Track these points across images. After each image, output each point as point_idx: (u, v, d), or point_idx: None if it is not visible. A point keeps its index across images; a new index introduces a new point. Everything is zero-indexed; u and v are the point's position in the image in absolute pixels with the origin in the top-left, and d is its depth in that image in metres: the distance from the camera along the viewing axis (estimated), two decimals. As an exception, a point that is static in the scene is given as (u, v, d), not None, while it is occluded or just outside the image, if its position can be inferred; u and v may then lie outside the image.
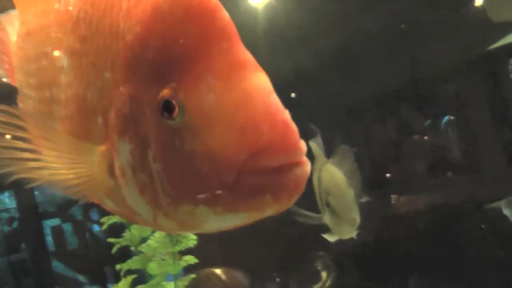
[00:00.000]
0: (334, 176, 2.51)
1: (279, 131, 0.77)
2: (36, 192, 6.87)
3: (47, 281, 6.42)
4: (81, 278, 6.37)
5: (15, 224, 7.28)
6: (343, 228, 2.47)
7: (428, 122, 4.53)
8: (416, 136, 4.44)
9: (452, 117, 4.40)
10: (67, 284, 6.52)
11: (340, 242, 2.58)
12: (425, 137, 4.44)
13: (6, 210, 8.84)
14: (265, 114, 0.77)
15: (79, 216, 6.44)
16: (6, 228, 8.29)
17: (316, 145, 2.61)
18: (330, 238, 2.57)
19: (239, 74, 0.79)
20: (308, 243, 3.94)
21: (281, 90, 0.80)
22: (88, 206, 6.28)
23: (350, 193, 2.44)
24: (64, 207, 6.61)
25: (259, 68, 0.82)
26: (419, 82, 4.33)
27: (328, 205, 2.47)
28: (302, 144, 0.80)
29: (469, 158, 4.43)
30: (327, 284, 4.09)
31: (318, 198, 2.60)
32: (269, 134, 0.76)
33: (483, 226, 3.84)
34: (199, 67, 0.78)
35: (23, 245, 6.72)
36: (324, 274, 4.07)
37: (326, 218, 2.52)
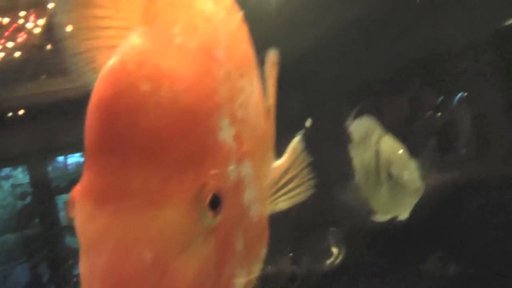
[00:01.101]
0: (395, 146, 2.46)
1: None
2: (49, 168, 6.94)
3: (60, 256, 6.50)
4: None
5: (28, 199, 7.35)
6: (405, 201, 2.43)
7: (441, 98, 4.50)
8: (429, 112, 4.41)
9: (465, 94, 4.36)
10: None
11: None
12: (438, 114, 4.42)
13: (19, 185, 8.91)
14: None
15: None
16: (20, 203, 8.36)
17: (368, 120, 2.55)
18: (383, 216, 2.50)
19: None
20: (320, 219, 3.95)
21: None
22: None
23: (412, 162, 2.41)
24: (76, 182, 6.66)
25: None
26: (433, 57, 4.29)
27: (390, 176, 2.41)
28: None
29: (480, 136, 4.40)
30: (339, 259, 4.11)
31: (371, 175, 2.53)
32: None
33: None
34: None
35: (36, 220, 6.80)
36: (335, 250, 4.08)
37: (382, 195, 2.46)
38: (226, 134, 0.66)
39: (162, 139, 0.61)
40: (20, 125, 6.03)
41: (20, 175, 9.02)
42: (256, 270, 0.70)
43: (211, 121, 0.64)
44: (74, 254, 6.61)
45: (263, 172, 0.74)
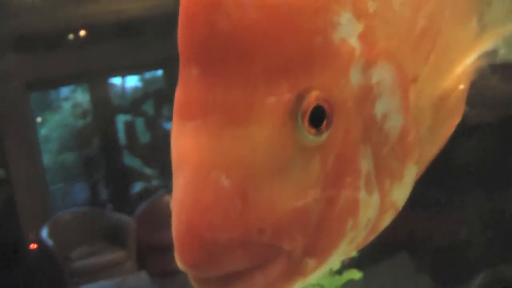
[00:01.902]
0: None
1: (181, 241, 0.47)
2: (109, 88, 7.04)
3: (118, 175, 6.68)
4: (150, 172, 6.60)
5: (88, 119, 7.51)
6: None
7: None
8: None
9: None
10: (137, 177, 6.77)
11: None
12: None
13: (79, 105, 9.09)
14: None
15: (151, 112, 6.58)
16: (80, 123, 8.55)
17: None
18: None
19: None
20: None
21: None
22: (161, 103, 6.39)
23: None
24: (136, 103, 6.76)
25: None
26: None
27: None
28: (221, 252, 0.46)
29: None
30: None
31: None
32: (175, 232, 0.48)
33: None
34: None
35: (95, 140, 6.97)
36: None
37: None
38: (347, 32, 0.52)
39: (248, 41, 0.48)
40: (81, 45, 6.08)
41: (80, 96, 9.18)
42: (393, 207, 0.58)
43: (320, 16, 0.50)
44: (132, 173, 6.77)
45: (415, 74, 0.58)
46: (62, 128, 9.03)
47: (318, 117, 0.48)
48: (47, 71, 6.05)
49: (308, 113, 0.48)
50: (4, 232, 5.92)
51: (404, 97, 0.55)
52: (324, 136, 0.49)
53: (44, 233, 5.50)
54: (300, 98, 0.48)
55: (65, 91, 9.00)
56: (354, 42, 0.51)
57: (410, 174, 0.58)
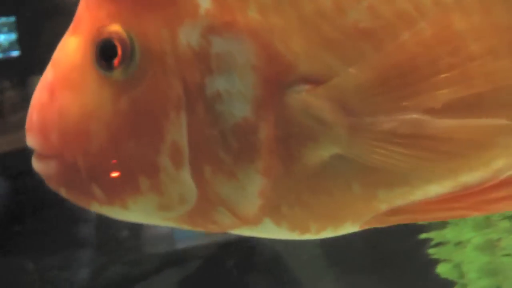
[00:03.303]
0: None
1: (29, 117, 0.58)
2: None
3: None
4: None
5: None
6: None
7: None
8: None
9: None
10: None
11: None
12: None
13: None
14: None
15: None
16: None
17: None
18: None
19: None
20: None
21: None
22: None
23: None
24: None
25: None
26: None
27: None
28: (43, 137, 0.56)
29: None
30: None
31: None
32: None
33: None
34: None
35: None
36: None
37: None
38: None
39: None
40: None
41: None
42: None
43: None
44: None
45: (319, 77, 0.50)
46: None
47: (107, 51, 0.49)
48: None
49: (98, 44, 0.50)
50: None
51: (262, 90, 0.48)
52: (117, 73, 0.49)
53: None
54: (100, 29, 0.49)
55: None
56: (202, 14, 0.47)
57: (250, 180, 0.52)
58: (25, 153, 0.60)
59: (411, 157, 0.49)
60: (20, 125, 0.59)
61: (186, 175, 0.53)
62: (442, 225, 2.01)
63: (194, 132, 0.51)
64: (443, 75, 0.47)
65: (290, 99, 0.48)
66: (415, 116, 0.48)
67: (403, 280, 2.47)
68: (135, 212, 0.57)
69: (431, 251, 2.10)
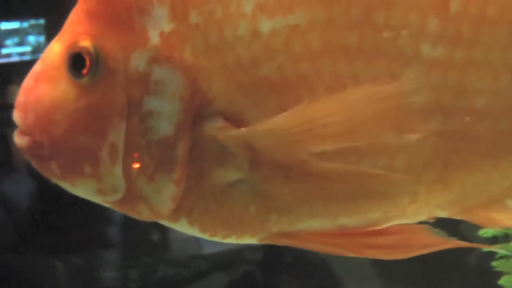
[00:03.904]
0: None
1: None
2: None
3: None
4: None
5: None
6: None
7: None
8: None
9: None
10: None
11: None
12: None
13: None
14: None
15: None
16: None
17: None
18: None
19: None
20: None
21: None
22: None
23: None
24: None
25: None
26: None
27: None
28: (18, 113, 0.68)
29: None
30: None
31: None
32: None
33: None
34: None
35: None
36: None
37: None
38: (150, 23, 0.61)
39: None
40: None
41: None
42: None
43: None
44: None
45: (238, 116, 0.62)
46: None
47: (77, 63, 0.62)
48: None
49: (71, 55, 0.62)
50: None
51: (185, 117, 0.60)
52: (84, 80, 0.62)
53: None
54: (74, 44, 0.62)
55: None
56: (152, 34, 0.59)
57: (165, 187, 0.63)
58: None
59: (296, 192, 0.62)
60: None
61: (119, 171, 0.65)
62: (506, 239, 2.01)
63: (130, 138, 0.63)
64: (327, 129, 0.58)
65: (206, 128, 0.60)
66: (303, 157, 0.59)
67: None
68: (81, 191, 0.69)
69: (495, 263, 2.04)
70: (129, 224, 2.83)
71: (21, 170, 2.56)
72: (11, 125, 0.70)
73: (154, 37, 0.60)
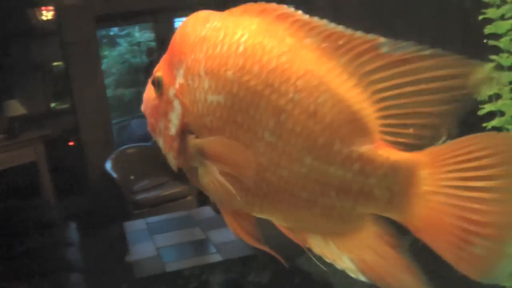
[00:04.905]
0: None
1: None
2: (174, 26, 7.11)
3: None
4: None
5: (155, 56, 7.62)
6: None
7: None
8: None
9: None
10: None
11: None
12: None
13: (138, 44, 9.23)
14: None
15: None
16: (145, 60, 8.69)
17: None
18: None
19: None
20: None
21: None
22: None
23: None
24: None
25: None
26: None
27: None
28: None
29: None
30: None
31: None
32: None
33: None
34: None
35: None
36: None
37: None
38: (178, 77, 0.95)
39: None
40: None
41: (137, 34, 9.32)
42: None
43: (178, 59, 0.95)
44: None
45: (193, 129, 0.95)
46: (120, 64, 9.20)
47: (156, 83, 0.96)
48: (114, 8, 6.10)
49: (153, 78, 0.96)
50: (69, 162, 6.16)
51: (179, 127, 0.95)
52: (156, 92, 0.97)
53: (108, 165, 5.69)
54: (156, 72, 0.96)
55: (126, 29, 9.09)
56: (177, 80, 0.95)
57: (170, 158, 0.98)
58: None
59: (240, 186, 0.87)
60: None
61: (166, 138, 0.99)
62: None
63: (165, 125, 0.97)
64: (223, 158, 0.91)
65: (188, 138, 0.94)
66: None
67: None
68: (160, 144, 1.00)
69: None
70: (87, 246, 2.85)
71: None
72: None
73: (177, 82, 0.95)
